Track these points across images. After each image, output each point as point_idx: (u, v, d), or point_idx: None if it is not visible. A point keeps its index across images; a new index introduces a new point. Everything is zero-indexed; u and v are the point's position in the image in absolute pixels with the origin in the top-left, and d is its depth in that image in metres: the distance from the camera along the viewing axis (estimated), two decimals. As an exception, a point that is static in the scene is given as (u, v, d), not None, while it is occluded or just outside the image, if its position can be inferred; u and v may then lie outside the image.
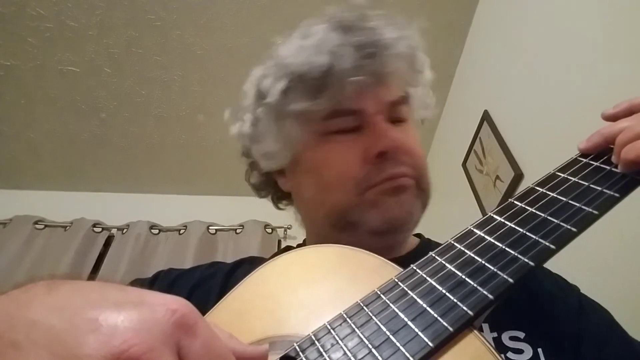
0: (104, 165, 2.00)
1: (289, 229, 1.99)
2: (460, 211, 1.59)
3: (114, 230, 1.95)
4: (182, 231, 1.96)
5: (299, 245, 0.61)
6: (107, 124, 1.84)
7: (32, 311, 0.22)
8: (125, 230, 1.93)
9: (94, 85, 1.71)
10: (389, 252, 0.50)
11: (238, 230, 1.99)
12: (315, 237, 0.58)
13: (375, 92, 0.49)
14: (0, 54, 1.59)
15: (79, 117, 1.80)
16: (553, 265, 0.57)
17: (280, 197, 0.63)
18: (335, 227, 0.50)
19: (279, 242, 2.00)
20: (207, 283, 0.53)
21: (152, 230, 1.94)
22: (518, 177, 1.21)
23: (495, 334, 0.43)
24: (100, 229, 1.93)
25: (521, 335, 0.44)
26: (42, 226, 1.89)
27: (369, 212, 0.48)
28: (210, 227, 1.98)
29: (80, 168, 2.00)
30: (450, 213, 1.52)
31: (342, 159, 0.49)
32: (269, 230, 1.99)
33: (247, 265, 0.56)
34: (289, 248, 0.60)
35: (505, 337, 0.43)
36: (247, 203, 1.91)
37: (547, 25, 1.21)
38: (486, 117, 1.45)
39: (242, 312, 0.36)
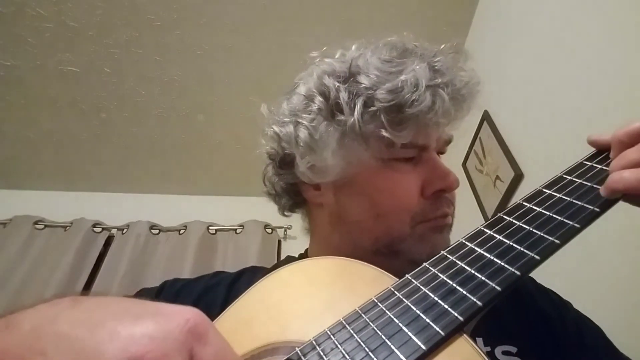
0: (104, 165, 2.00)
1: (289, 229, 1.99)
2: (460, 211, 1.59)
3: (114, 230, 1.95)
4: (182, 231, 1.96)
5: (300, 255, 0.62)
6: (107, 124, 1.84)
7: (58, 324, 0.24)
8: (125, 230, 1.93)
9: (94, 85, 1.71)
10: None
11: (238, 231, 1.98)
12: (340, 252, 0.55)
13: (442, 131, 0.52)
14: (0, 54, 1.59)
15: (79, 117, 1.80)
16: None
17: (295, 205, 0.61)
18: (379, 252, 0.50)
19: (279, 242, 2.00)
20: (211, 292, 0.55)
21: (152, 230, 1.94)
22: (518, 177, 1.21)
23: (488, 348, 0.45)
24: (100, 229, 1.93)
25: (513, 350, 0.46)
26: (42, 226, 1.89)
27: (417, 245, 0.49)
28: (210, 227, 1.98)
29: (80, 168, 2.00)
30: (450, 213, 1.51)
31: (402, 190, 0.49)
32: (269, 231, 1.99)
33: (250, 274, 0.57)
34: (289, 258, 0.61)
35: (498, 352, 0.45)
36: (247, 203, 1.92)
37: (548, 25, 1.21)
38: (486, 117, 1.45)
39: (248, 320, 0.38)
